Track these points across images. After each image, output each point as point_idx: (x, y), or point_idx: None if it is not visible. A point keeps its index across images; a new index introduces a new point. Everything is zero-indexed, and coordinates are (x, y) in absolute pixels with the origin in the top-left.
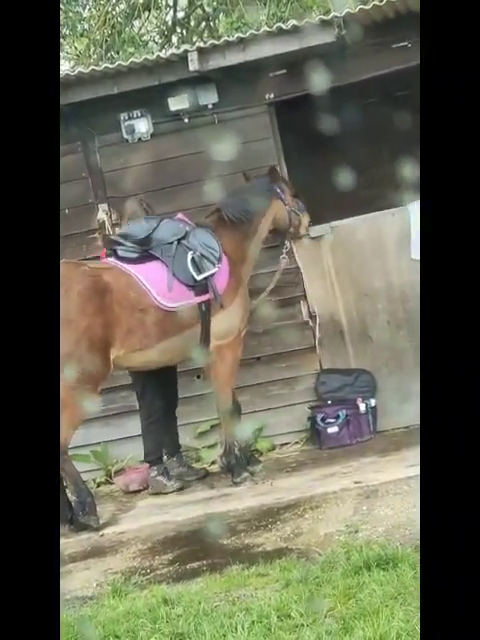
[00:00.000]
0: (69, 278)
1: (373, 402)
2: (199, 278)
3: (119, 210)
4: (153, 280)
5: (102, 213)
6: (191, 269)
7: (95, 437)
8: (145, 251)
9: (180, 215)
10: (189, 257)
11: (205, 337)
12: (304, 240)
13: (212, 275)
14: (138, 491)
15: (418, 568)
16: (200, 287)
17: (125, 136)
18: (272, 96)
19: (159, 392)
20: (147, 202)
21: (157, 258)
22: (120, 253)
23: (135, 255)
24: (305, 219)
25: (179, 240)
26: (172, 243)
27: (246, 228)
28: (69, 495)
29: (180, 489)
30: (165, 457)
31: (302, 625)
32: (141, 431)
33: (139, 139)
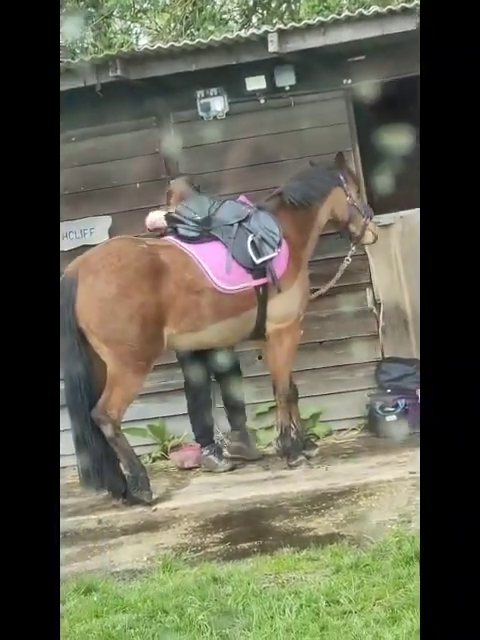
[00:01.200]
0: (127, 254)
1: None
2: (258, 262)
3: (170, 189)
4: (212, 261)
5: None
6: (251, 252)
7: (153, 412)
8: (205, 231)
9: (242, 197)
10: (249, 240)
11: (261, 320)
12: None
13: (271, 259)
14: (192, 468)
15: None
16: (259, 270)
17: (200, 113)
18: (350, 82)
19: (212, 372)
20: (197, 183)
21: (217, 239)
22: (180, 231)
23: (195, 234)
24: (371, 225)
25: (240, 222)
26: (233, 225)
27: (306, 213)
28: (123, 469)
29: (231, 469)
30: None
31: (351, 612)
32: (188, 411)
33: (214, 117)
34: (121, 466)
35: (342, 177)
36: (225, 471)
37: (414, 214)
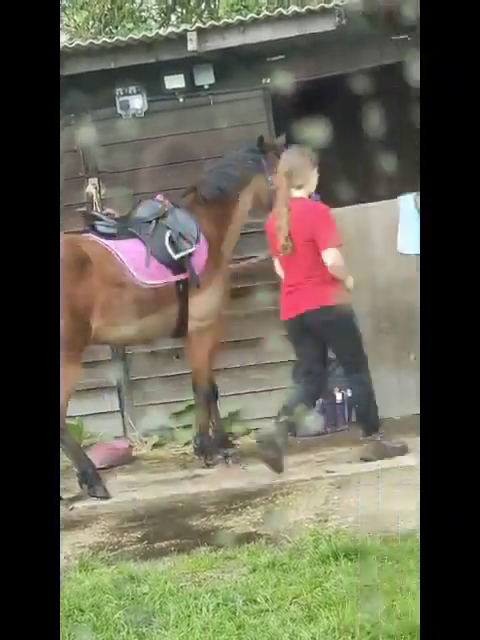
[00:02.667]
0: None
1: (350, 393)
2: (176, 257)
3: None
4: (131, 257)
5: (91, 187)
6: (169, 248)
7: (71, 411)
8: (124, 228)
9: (159, 196)
10: (167, 236)
11: (183, 318)
12: None
13: (190, 255)
14: (103, 468)
15: (385, 560)
16: (178, 266)
17: (119, 111)
18: (269, 81)
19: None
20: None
21: (135, 236)
22: (99, 228)
23: (113, 231)
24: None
25: (157, 219)
26: (151, 222)
27: (223, 206)
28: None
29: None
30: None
31: (267, 610)
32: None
33: (133, 115)
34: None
35: (264, 162)
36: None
37: (340, 212)
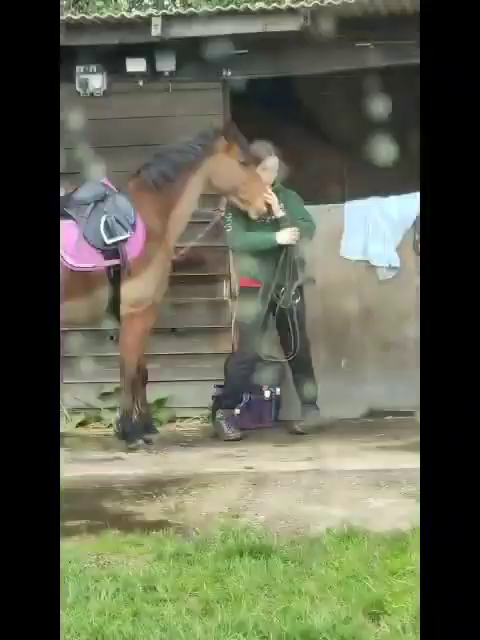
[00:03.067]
0: None
1: (278, 391)
2: (109, 242)
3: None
4: (63, 239)
5: None
6: (103, 233)
7: None
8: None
9: (105, 179)
10: (102, 220)
11: (114, 302)
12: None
13: (124, 241)
14: None
15: (288, 561)
16: (110, 252)
17: (78, 88)
18: (229, 74)
19: (254, 344)
20: None
21: (71, 217)
22: None
23: None
24: (258, 200)
25: (96, 202)
26: (89, 204)
27: (168, 191)
28: None
29: (237, 439)
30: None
31: (165, 600)
32: (227, 374)
33: (91, 94)
34: None
35: (218, 145)
36: (231, 440)
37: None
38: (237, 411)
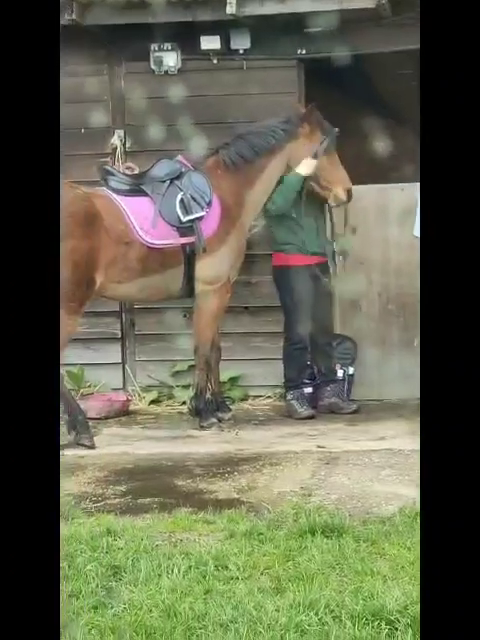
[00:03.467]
0: (61, 198)
1: (351, 370)
2: (185, 220)
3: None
4: (139, 215)
5: (116, 139)
6: (178, 210)
7: (75, 359)
8: (136, 186)
9: (180, 157)
10: (178, 198)
11: (189, 280)
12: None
13: (200, 219)
14: (98, 419)
15: (361, 541)
16: (186, 229)
17: (152, 66)
18: (304, 52)
19: (310, 320)
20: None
21: (147, 194)
22: (112, 184)
23: (126, 188)
24: (338, 188)
25: (172, 180)
26: (165, 182)
27: (246, 173)
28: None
29: (311, 417)
30: (321, 384)
31: (237, 578)
32: (283, 355)
33: (166, 72)
34: None
35: (301, 130)
36: (305, 418)
37: (361, 190)
38: (309, 389)
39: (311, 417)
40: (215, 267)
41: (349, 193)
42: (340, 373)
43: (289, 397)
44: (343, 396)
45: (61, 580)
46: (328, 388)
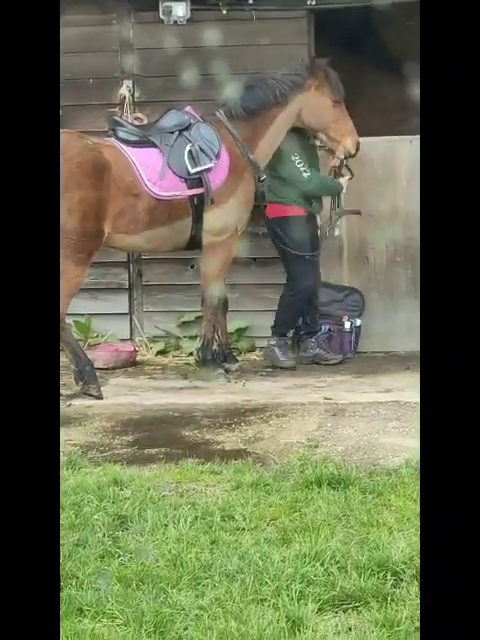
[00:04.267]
0: (70, 148)
1: (358, 322)
2: (193, 171)
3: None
4: (147, 166)
5: (125, 89)
6: (187, 161)
7: (81, 309)
8: (144, 137)
9: (189, 108)
10: (187, 149)
11: (197, 231)
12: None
13: (208, 170)
14: (105, 369)
15: (367, 492)
16: (194, 180)
17: (162, 16)
18: (314, 2)
19: (312, 273)
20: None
21: (156, 145)
22: (120, 134)
23: (134, 139)
24: (348, 140)
25: (180, 131)
26: (173, 133)
27: (256, 123)
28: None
29: (292, 368)
30: (304, 335)
31: (243, 529)
32: (279, 302)
33: (175, 22)
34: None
35: (310, 82)
36: (286, 368)
37: (360, 142)
38: (289, 338)
39: (293, 368)
40: (223, 218)
41: (357, 145)
42: (347, 325)
43: (272, 343)
44: (326, 347)
45: (68, 529)
46: (312, 340)
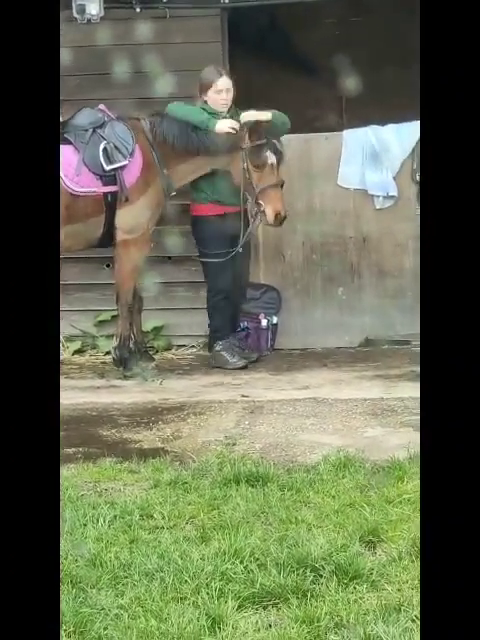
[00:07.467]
0: None
1: (275, 319)
2: (108, 168)
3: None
4: (63, 163)
5: None
6: (102, 159)
7: None
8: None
9: (102, 106)
10: (101, 147)
11: (109, 228)
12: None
13: (122, 168)
14: None
15: (285, 489)
16: (109, 178)
17: (75, 15)
18: (227, 1)
19: (230, 272)
20: None
21: (71, 143)
22: None
23: None
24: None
25: (95, 128)
26: (88, 130)
27: (178, 151)
28: None
29: (243, 367)
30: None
31: (162, 527)
32: (207, 307)
33: (88, 20)
34: None
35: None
36: (236, 368)
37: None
38: (236, 339)
39: (244, 367)
40: (135, 216)
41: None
42: (264, 322)
43: (218, 348)
44: (244, 345)
45: None
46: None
